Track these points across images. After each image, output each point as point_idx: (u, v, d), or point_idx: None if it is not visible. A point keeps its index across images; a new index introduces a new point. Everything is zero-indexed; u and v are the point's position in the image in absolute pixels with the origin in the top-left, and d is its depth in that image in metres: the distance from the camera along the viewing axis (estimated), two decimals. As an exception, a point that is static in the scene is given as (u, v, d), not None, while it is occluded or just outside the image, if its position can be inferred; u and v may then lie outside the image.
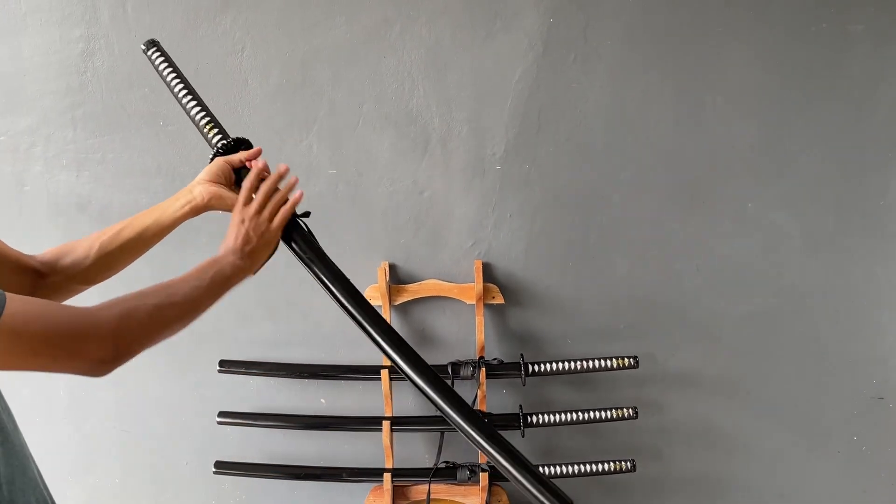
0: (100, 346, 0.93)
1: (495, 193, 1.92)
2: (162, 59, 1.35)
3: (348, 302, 1.23)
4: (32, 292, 1.15)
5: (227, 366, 1.96)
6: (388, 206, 1.93)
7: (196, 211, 1.27)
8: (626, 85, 1.84)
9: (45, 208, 1.96)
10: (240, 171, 1.28)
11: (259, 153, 1.28)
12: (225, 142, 1.30)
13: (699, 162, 1.89)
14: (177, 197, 1.27)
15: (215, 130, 1.33)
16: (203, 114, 1.34)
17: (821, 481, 2.16)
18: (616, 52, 1.82)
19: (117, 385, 2.06)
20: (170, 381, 2.08)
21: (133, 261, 1.30)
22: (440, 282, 1.96)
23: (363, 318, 1.23)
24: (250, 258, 1.20)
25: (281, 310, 2.03)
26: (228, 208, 1.26)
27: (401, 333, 2.04)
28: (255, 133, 1.85)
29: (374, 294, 1.93)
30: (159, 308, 1.05)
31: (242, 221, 1.21)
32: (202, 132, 1.33)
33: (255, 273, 1.21)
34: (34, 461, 1.01)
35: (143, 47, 1.35)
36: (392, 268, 1.97)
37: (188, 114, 1.35)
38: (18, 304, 0.87)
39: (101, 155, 1.91)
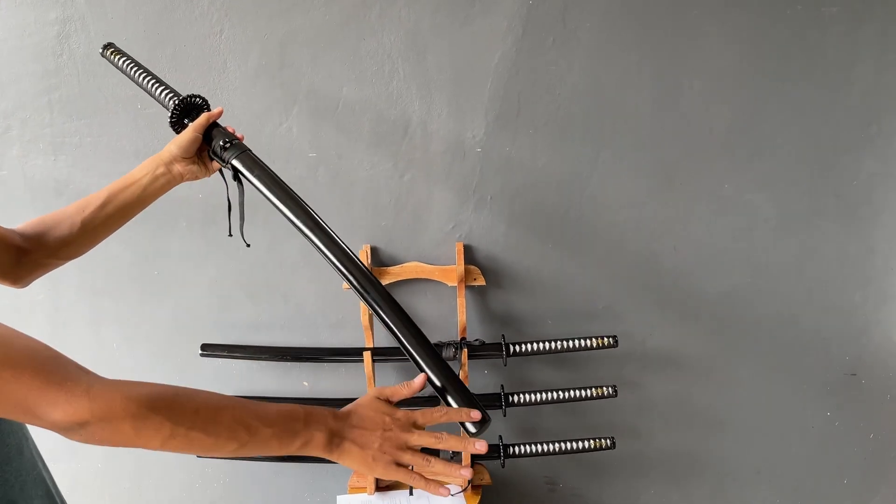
0: (65, 419, 0.78)
1: (476, 176, 1.93)
2: (116, 53, 1.50)
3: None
4: (14, 268, 1.13)
5: (209, 350, 1.96)
6: (368, 189, 1.93)
7: (172, 185, 1.32)
8: (604, 68, 1.85)
9: (22, 192, 1.94)
10: (210, 133, 1.34)
11: (220, 112, 1.34)
12: (178, 99, 1.36)
13: (677, 144, 1.91)
14: (154, 173, 1.29)
15: (170, 95, 1.42)
16: (153, 81, 1.44)
17: (796, 457, 2.21)
18: (595, 35, 1.83)
19: (99, 369, 2.05)
20: (151, 365, 2.08)
21: (114, 231, 1.30)
22: (422, 264, 1.97)
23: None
24: (340, 454, 0.95)
25: (261, 293, 2.03)
26: (199, 177, 1.35)
27: (383, 315, 2.05)
28: (235, 116, 1.86)
29: (356, 277, 1.94)
30: (185, 427, 0.83)
31: (386, 430, 0.98)
32: (159, 101, 1.42)
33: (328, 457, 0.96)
34: (32, 441, 1.00)
35: (101, 51, 1.52)
36: (373, 251, 1.98)
37: (144, 88, 1.45)
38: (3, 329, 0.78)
39: (79, 139, 1.90)
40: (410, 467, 0.98)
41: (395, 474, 0.97)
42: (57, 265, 1.25)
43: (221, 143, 1.31)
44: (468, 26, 1.81)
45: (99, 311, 2.05)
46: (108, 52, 1.53)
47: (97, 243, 1.29)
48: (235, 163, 1.30)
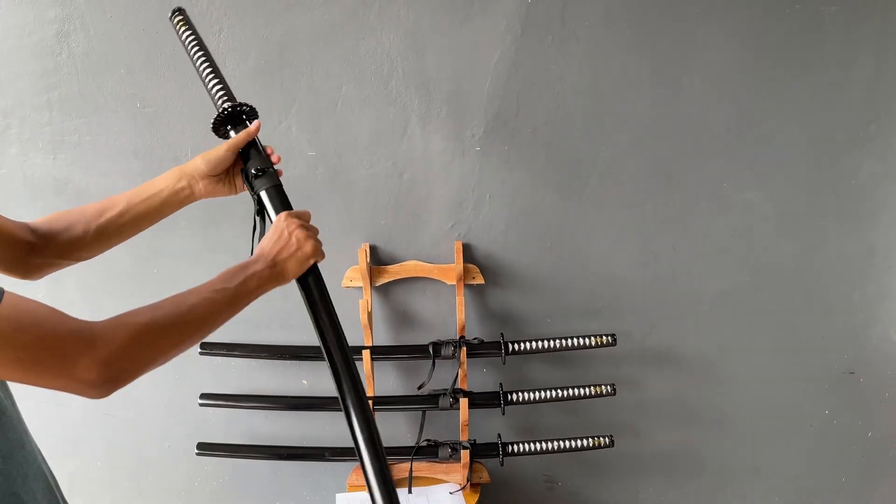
0: (91, 368, 0.84)
1: (475, 175, 1.93)
2: (184, 25, 1.40)
3: (337, 356, 1.20)
4: (23, 264, 1.13)
5: (209, 348, 1.97)
6: (368, 188, 1.93)
7: (192, 201, 1.29)
8: (603, 67, 1.85)
9: (22, 191, 1.94)
10: (248, 152, 1.27)
11: (258, 128, 1.29)
12: (229, 105, 1.29)
13: (675, 143, 1.91)
14: (174, 187, 1.25)
15: (222, 94, 1.32)
16: (210, 72, 1.35)
17: (794, 455, 2.21)
18: (594, 33, 1.83)
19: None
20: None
21: (127, 239, 1.29)
22: (421, 263, 1.97)
23: (345, 380, 1.17)
24: (283, 269, 1.14)
25: (261, 292, 2.03)
26: (223, 195, 1.29)
27: (382, 314, 2.07)
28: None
29: (355, 275, 1.94)
30: (171, 324, 0.96)
31: (285, 229, 1.16)
32: (210, 94, 1.35)
33: (285, 283, 1.15)
34: (31, 436, 1.00)
35: (170, 14, 1.42)
36: (373, 249, 1.98)
37: (198, 73, 1.37)
38: (12, 305, 0.81)
39: (78, 137, 1.90)
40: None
41: (321, 252, 1.18)
42: (66, 265, 1.25)
43: (254, 171, 1.24)
44: (467, 25, 1.81)
45: (99, 310, 2.02)
46: (176, 19, 1.41)
47: (109, 248, 1.28)
48: (263, 195, 1.24)
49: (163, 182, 1.26)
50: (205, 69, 1.36)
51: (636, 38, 1.84)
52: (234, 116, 1.29)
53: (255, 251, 1.14)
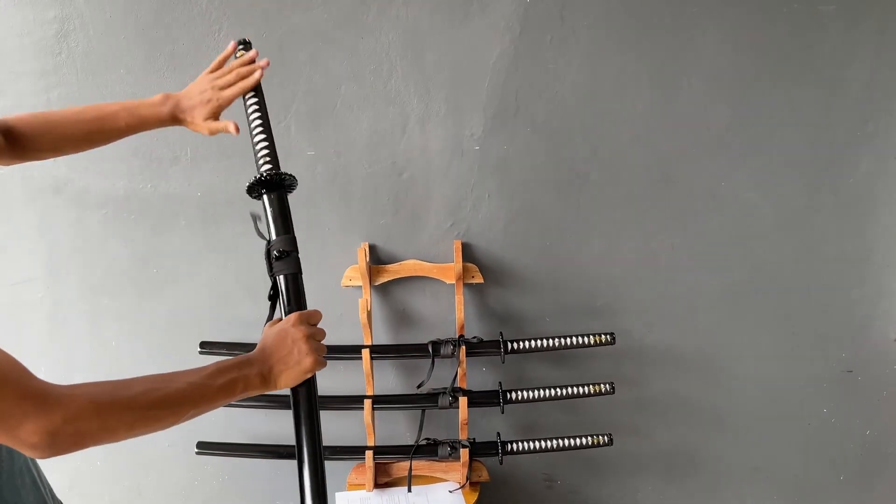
0: (35, 433, 0.80)
1: (474, 174, 1.93)
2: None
3: (308, 468, 1.13)
4: None
5: (209, 347, 1.97)
6: (367, 187, 1.94)
7: (174, 123, 1.33)
8: (602, 66, 1.85)
9: (21, 191, 1.94)
10: (277, 221, 1.20)
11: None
12: (273, 171, 1.20)
13: (674, 142, 1.92)
14: (159, 120, 1.32)
15: (268, 160, 1.23)
16: (263, 136, 1.26)
17: (793, 453, 2.21)
18: (592, 33, 1.83)
19: (97, 368, 2.06)
20: (150, 362, 2.08)
21: (84, 144, 1.31)
22: (420, 262, 1.98)
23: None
24: (275, 381, 1.07)
25: (260, 290, 2.01)
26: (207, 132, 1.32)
27: (381, 314, 2.07)
28: (233, 115, 1.85)
29: (355, 275, 1.94)
30: (133, 410, 0.90)
31: (289, 337, 1.09)
32: (254, 151, 1.26)
33: (272, 391, 1.09)
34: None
35: (240, 46, 1.37)
36: (372, 248, 1.98)
37: (247, 116, 1.30)
38: None
39: (78, 137, 1.89)
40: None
41: (322, 362, 1.11)
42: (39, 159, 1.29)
43: (276, 253, 1.19)
44: (466, 25, 1.82)
45: (98, 309, 2.05)
46: (239, 53, 1.37)
47: (64, 147, 1.34)
48: (280, 281, 1.20)
49: (149, 110, 1.34)
50: (256, 123, 1.29)
51: (635, 38, 1.84)
52: (273, 184, 1.19)
53: (257, 349, 1.08)
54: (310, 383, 1.13)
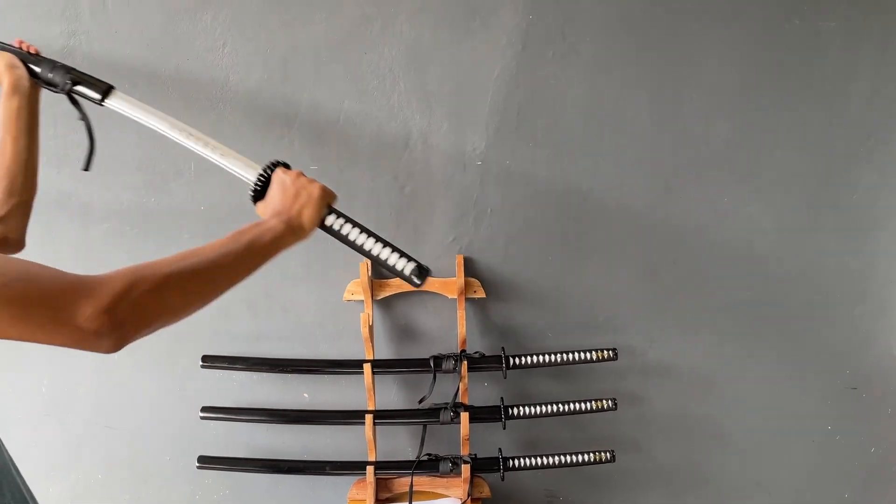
0: (95, 314, 0.79)
1: (476, 189, 1.94)
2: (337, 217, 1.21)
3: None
4: None
5: (210, 361, 1.97)
6: (369, 202, 1.94)
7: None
8: (603, 81, 1.86)
9: (26, 205, 1.95)
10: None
11: None
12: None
13: (676, 157, 1.92)
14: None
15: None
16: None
17: (796, 470, 2.20)
18: (594, 49, 1.84)
19: (99, 381, 2.07)
20: (152, 376, 2.08)
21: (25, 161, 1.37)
22: (422, 276, 1.98)
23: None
24: (300, 221, 1.10)
25: (261, 304, 2.04)
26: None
27: (383, 328, 2.07)
28: (237, 129, 1.87)
29: (357, 289, 1.95)
30: (179, 276, 0.90)
31: (287, 180, 1.14)
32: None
33: (305, 237, 1.11)
34: (5, 447, 0.99)
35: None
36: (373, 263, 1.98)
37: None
38: (10, 258, 0.80)
39: (82, 151, 1.90)
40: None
41: (330, 190, 1.15)
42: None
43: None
44: (468, 41, 1.83)
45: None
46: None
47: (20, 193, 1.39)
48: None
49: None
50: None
51: (636, 54, 1.85)
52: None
53: (267, 211, 1.12)
54: (335, 211, 1.16)
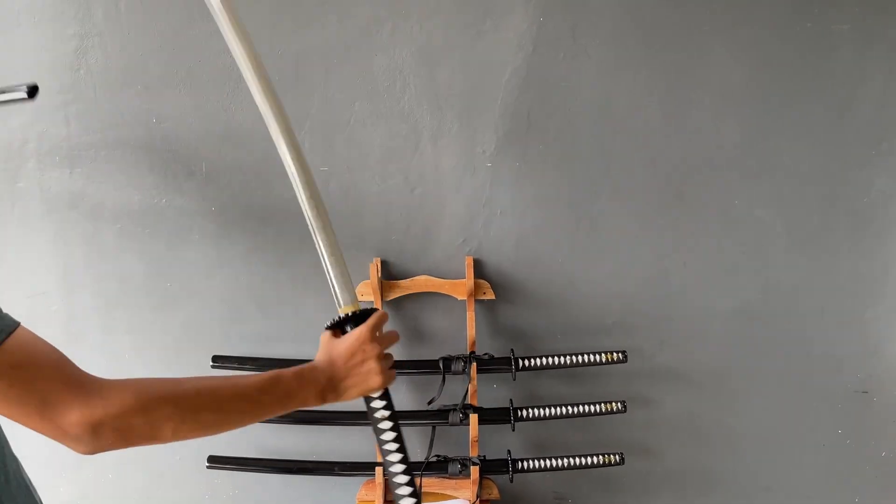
0: (79, 423, 0.80)
1: (486, 190, 1.94)
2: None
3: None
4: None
5: (221, 361, 1.97)
6: (379, 203, 1.95)
7: None
8: (614, 84, 1.86)
9: (38, 205, 1.96)
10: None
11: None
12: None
13: (686, 160, 1.91)
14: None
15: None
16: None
17: (806, 474, 2.19)
18: (604, 51, 1.84)
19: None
20: (162, 375, 2.09)
21: None
22: (432, 278, 1.98)
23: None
24: (338, 394, 1.04)
25: (272, 306, 2.04)
26: None
27: (393, 328, 2.07)
28: (248, 131, 1.88)
29: (366, 290, 1.95)
30: (182, 410, 0.88)
31: (360, 352, 1.06)
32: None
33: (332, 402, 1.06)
34: (4, 434, 0.99)
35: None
36: (384, 264, 1.99)
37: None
38: (20, 343, 0.80)
39: (94, 152, 1.92)
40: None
41: (392, 375, 1.10)
42: None
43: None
44: (479, 43, 1.83)
45: (112, 321, 2.06)
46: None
47: None
48: None
49: None
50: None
51: (647, 55, 1.85)
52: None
53: (322, 360, 1.05)
54: (387, 394, 1.12)
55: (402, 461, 1.13)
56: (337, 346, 1.07)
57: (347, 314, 1.14)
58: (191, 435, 0.90)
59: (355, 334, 1.07)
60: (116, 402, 0.82)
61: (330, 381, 1.03)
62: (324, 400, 1.03)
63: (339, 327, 1.14)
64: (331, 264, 1.19)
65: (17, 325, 0.81)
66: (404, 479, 1.13)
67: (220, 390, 0.93)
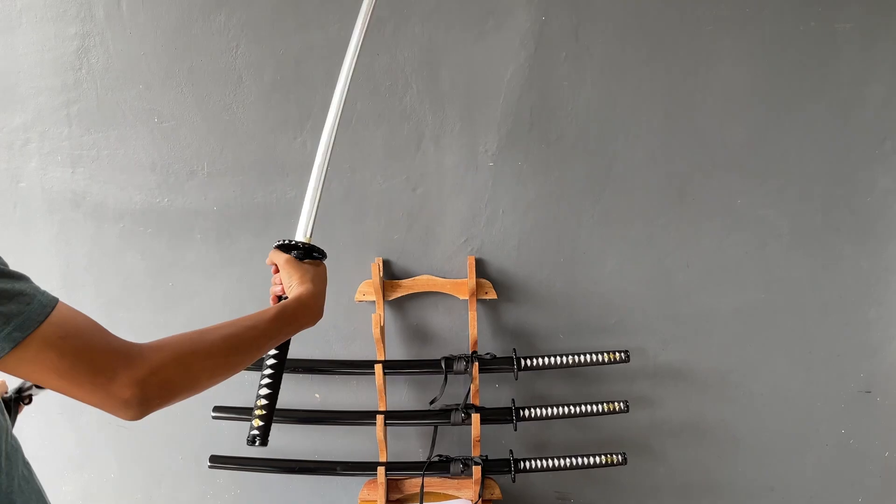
0: (127, 386, 0.85)
1: (488, 190, 1.93)
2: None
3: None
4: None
5: (222, 361, 1.97)
6: (381, 203, 1.94)
7: None
8: (616, 83, 1.86)
9: (40, 204, 1.97)
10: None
11: None
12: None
13: (689, 159, 1.91)
14: None
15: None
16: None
17: (809, 474, 2.18)
18: (607, 50, 1.83)
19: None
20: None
21: None
22: (434, 277, 1.98)
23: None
24: (316, 318, 1.22)
25: (275, 305, 2.04)
26: None
27: (395, 329, 2.08)
28: (249, 130, 1.88)
29: (368, 289, 1.95)
30: (213, 355, 0.98)
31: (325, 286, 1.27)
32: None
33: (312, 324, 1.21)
34: (17, 440, 0.99)
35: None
36: (386, 263, 1.99)
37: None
38: (63, 315, 0.84)
39: (96, 151, 1.92)
40: None
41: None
42: None
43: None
44: (481, 42, 1.83)
45: (114, 321, 2.05)
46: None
47: None
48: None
49: None
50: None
51: (650, 55, 1.84)
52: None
53: (305, 280, 1.22)
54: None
55: (269, 392, 1.31)
56: (315, 273, 1.25)
57: (305, 243, 1.32)
58: (224, 377, 0.99)
59: (322, 270, 1.28)
60: (157, 360, 0.88)
61: (316, 303, 1.20)
62: (314, 318, 1.19)
63: (287, 250, 1.30)
64: (309, 199, 1.40)
65: (57, 300, 0.86)
66: (258, 410, 1.30)
67: (242, 332, 1.03)
